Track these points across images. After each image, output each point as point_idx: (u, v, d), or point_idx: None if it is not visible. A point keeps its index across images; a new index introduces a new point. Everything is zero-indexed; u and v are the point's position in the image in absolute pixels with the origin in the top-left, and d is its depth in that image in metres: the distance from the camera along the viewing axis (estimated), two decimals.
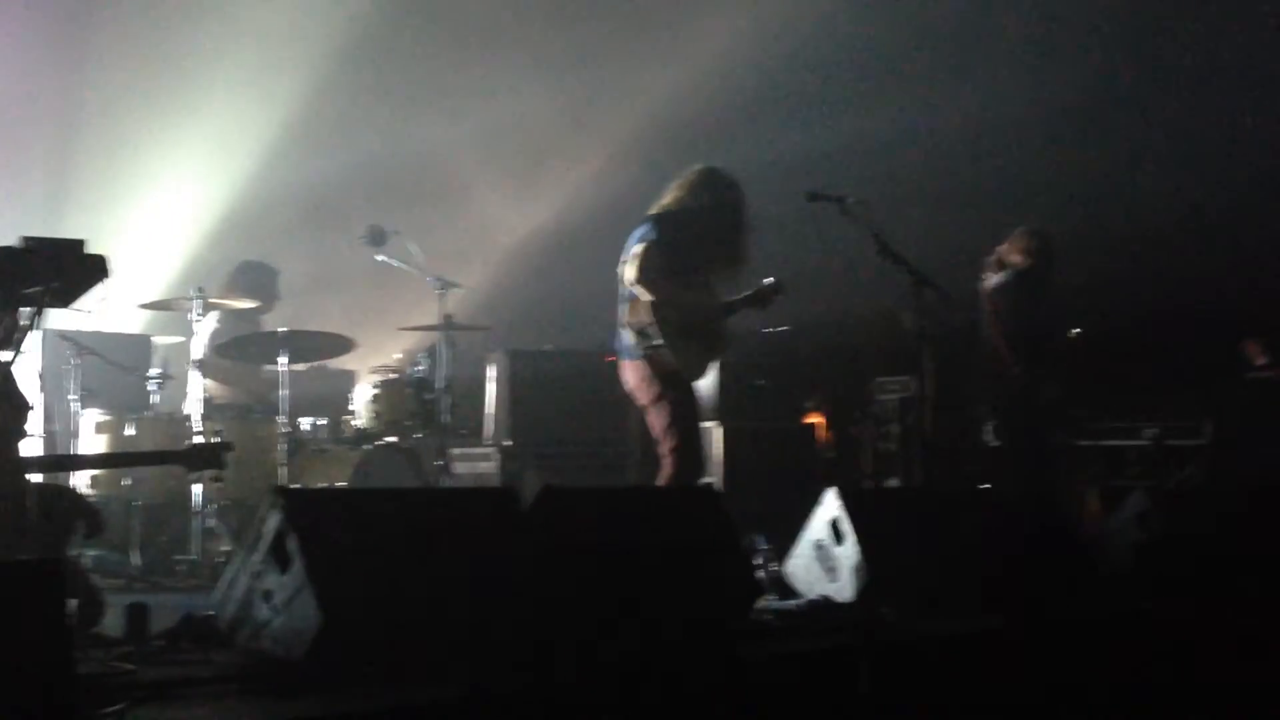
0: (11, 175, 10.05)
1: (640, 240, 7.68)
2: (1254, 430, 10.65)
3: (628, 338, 7.73)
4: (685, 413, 7.76)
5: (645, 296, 7.61)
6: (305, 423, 9.54)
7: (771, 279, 8.04)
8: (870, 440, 11.36)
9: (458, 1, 12.87)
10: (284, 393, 9.14)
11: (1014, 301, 9.10)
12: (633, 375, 7.77)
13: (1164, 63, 11.97)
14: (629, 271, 7.64)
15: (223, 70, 12.05)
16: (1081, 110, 12.20)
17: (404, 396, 9.62)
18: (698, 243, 7.84)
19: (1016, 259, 9.25)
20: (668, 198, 7.94)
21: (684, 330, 7.69)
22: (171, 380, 9.23)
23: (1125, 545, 7.14)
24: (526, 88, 12.86)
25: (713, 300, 7.97)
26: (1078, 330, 9.26)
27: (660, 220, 7.79)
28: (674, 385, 7.71)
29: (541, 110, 12.91)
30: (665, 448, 7.68)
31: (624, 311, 7.75)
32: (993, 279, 9.21)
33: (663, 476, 7.68)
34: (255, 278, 10.06)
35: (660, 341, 7.60)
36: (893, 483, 10.93)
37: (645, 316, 7.62)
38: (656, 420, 7.74)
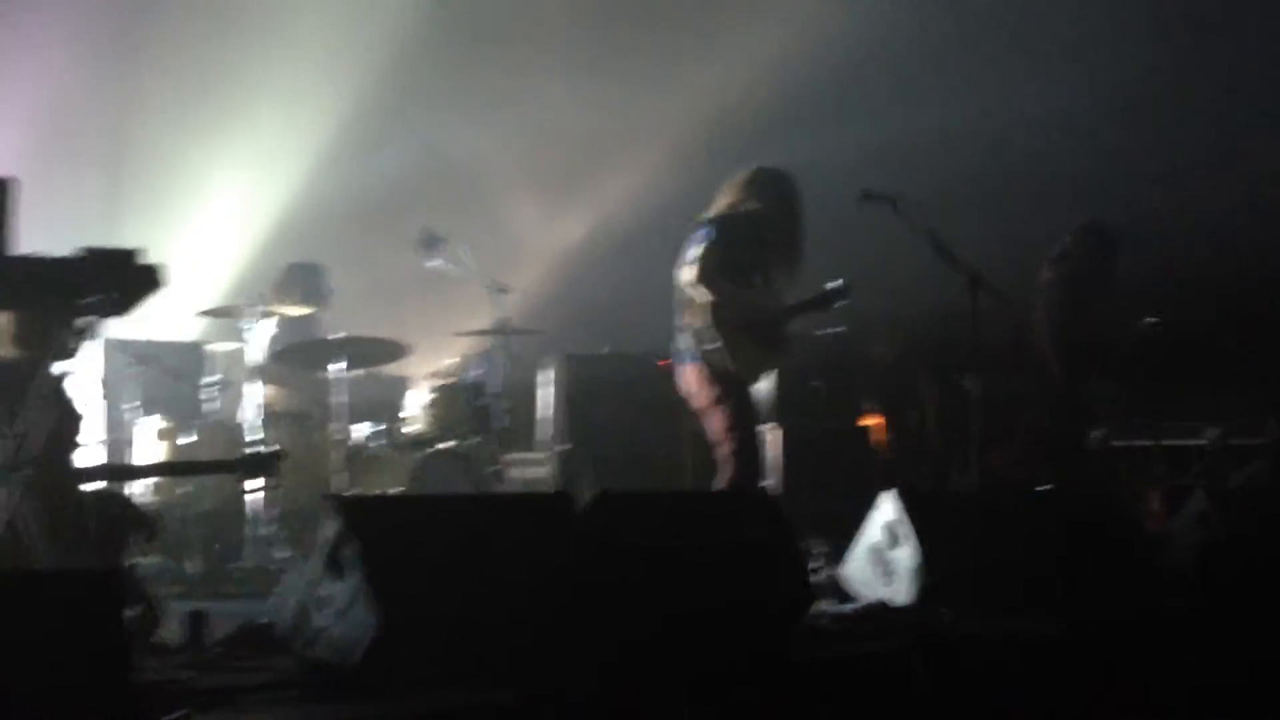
0: (69, 186, 10.14)
1: (700, 242, 7.68)
2: None
3: (685, 340, 7.73)
4: (743, 416, 7.75)
5: (704, 298, 7.61)
6: (361, 429, 9.58)
7: (840, 281, 8.00)
8: (927, 442, 11.32)
9: (504, 10, 12.92)
10: (340, 399, 9.20)
11: (1064, 300, 9.03)
12: (691, 378, 7.77)
13: (1235, 52, 11.87)
14: (688, 273, 7.64)
15: (273, 80, 12.13)
16: (1147, 102, 12.08)
17: (459, 401, 9.66)
18: (756, 244, 7.85)
19: (1077, 256, 9.17)
20: (723, 201, 7.93)
21: (742, 333, 7.67)
22: (229, 388, 9.29)
23: (1187, 546, 7.09)
24: (576, 91, 12.88)
25: (774, 302, 7.96)
26: (1154, 319, 9.14)
27: (719, 223, 7.78)
28: (732, 388, 7.70)
29: (592, 113, 12.92)
30: (724, 451, 7.68)
31: (682, 314, 7.76)
32: (1044, 277, 9.14)
33: (722, 480, 7.68)
34: (304, 279, 10.10)
35: (718, 344, 7.60)
36: (951, 484, 10.89)
37: (704, 318, 7.61)
38: (715, 423, 7.74)
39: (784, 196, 7.91)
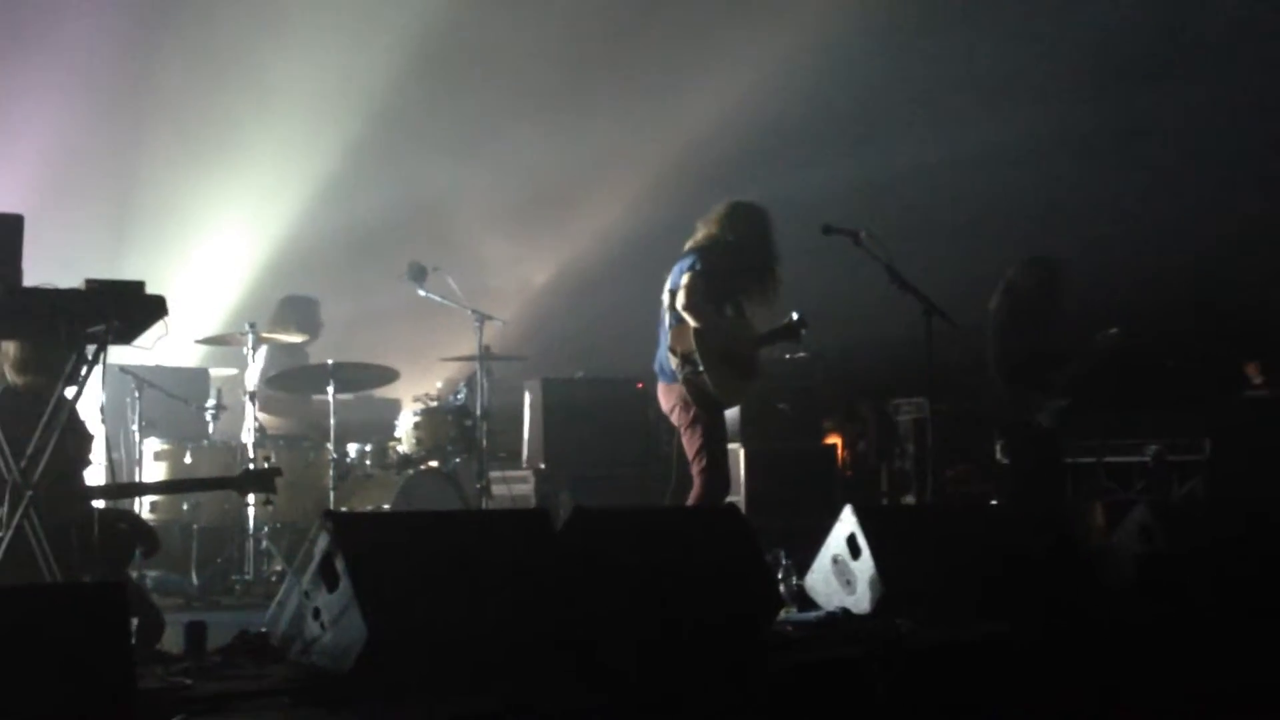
0: (76, 222, 10.14)
1: (686, 270, 7.71)
2: (1251, 447, 10.61)
3: (670, 363, 7.75)
4: (716, 435, 7.79)
5: (693, 323, 7.64)
6: (352, 449, 9.58)
7: (795, 315, 8.03)
8: (885, 459, 11.36)
9: (481, 59, 12.96)
10: (332, 421, 9.20)
11: (1013, 324, 9.06)
12: (672, 398, 7.80)
13: (1160, 105, 11.95)
14: (678, 299, 7.68)
15: (268, 124, 12.14)
16: (1084, 144, 12.18)
17: (445, 423, 9.65)
18: (733, 274, 7.87)
19: (1022, 284, 9.21)
20: (701, 233, 7.96)
21: (723, 358, 7.70)
22: (226, 410, 9.28)
23: (1128, 557, 7.12)
24: (552, 134, 12.92)
25: (746, 329, 7.99)
26: (1115, 330, 9.16)
27: (703, 252, 7.81)
28: (708, 409, 7.74)
29: (567, 154, 12.95)
30: (696, 468, 7.72)
31: (668, 338, 7.79)
32: (994, 303, 9.18)
33: (694, 495, 7.71)
34: (297, 310, 10.12)
35: (702, 368, 7.63)
36: (907, 500, 10.92)
37: (690, 343, 7.63)
38: (689, 442, 7.78)
39: (758, 228, 7.94)
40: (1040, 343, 9.04)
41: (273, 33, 11.74)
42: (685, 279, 7.66)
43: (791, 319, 8.02)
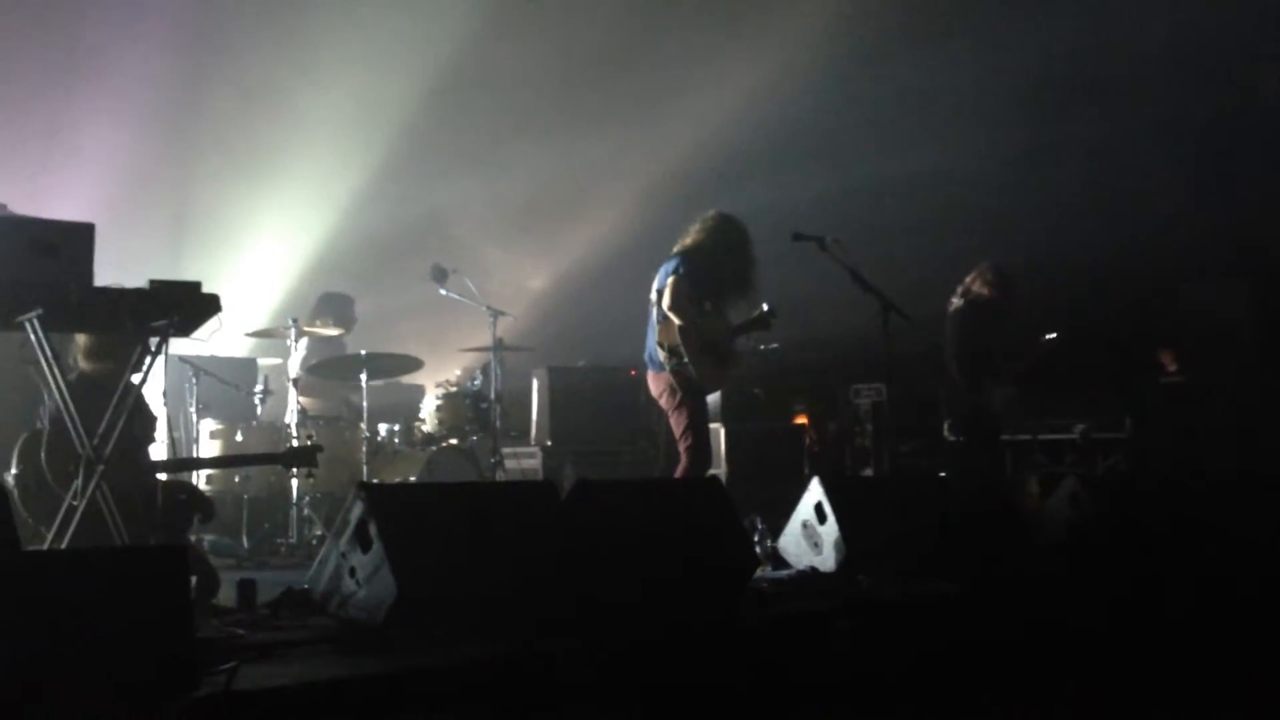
0: (140, 230, 10.12)
1: (671, 273, 7.71)
2: (1165, 426, 10.64)
3: (659, 354, 7.76)
4: (699, 417, 7.79)
5: (676, 320, 7.65)
6: (382, 428, 9.57)
7: (765, 306, 8.04)
8: (847, 437, 11.37)
9: (494, 82, 12.97)
10: (365, 404, 9.20)
11: (970, 325, 9.07)
12: (660, 385, 7.81)
13: (1084, 124, 11.95)
14: (664, 299, 7.68)
15: (305, 143, 12.14)
16: (1019, 160, 12.16)
17: (463, 406, 9.64)
18: (714, 276, 7.86)
19: (978, 289, 9.22)
20: (689, 238, 7.94)
21: (704, 350, 7.71)
22: (272, 395, 9.28)
23: (1060, 522, 7.13)
24: (557, 152, 12.93)
25: (727, 324, 8.00)
26: (1054, 335, 9.20)
27: (686, 257, 7.81)
28: (692, 394, 7.75)
29: (570, 170, 12.97)
30: (683, 445, 7.73)
31: (656, 332, 7.79)
32: (953, 305, 9.19)
33: (680, 469, 7.72)
34: (335, 306, 10.11)
35: (686, 359, 7.64)
36: (866, 472, 10.93)
37: (675, 338, 7.64)
38: (676, 423, 7.79)
39: (736, 237, 7.93)
40: (994, 339, 9.06)
41: (303, 68, 11.82)
42: (670, 281, 7.67)
43: (763, 310, 8.01)
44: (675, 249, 7.91)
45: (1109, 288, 11.88)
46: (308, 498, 8.68)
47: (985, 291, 9.16)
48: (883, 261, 9.00)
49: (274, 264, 11.71)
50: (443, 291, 9.80)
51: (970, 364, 8.97)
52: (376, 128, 12.35)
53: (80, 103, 10.67)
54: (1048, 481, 7.57)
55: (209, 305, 5.53)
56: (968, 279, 9.25)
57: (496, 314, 9.71)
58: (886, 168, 12.09)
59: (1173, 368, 11.34)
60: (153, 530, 5.40)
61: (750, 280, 7.99)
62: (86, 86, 10.68)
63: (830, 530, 6.28)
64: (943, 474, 9.31)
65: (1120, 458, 10.75)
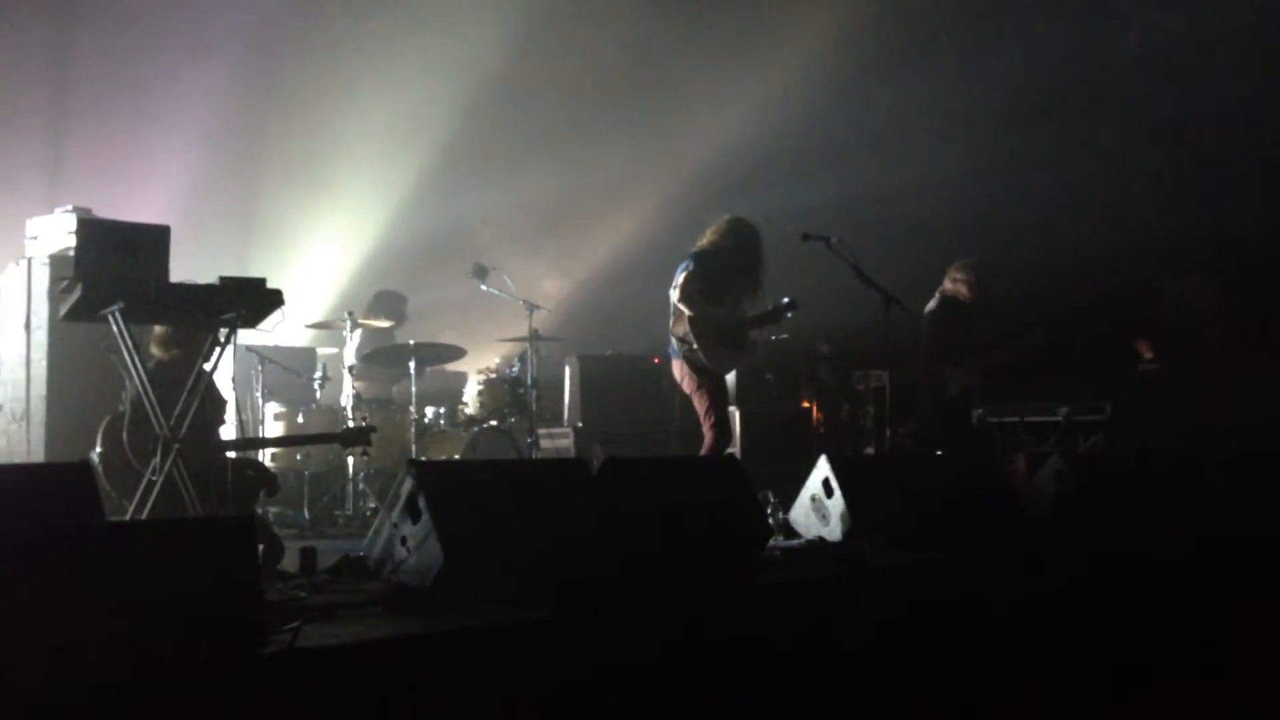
0: (210, 229, 10.15)
1: (683, 270, 7.73)
2: (1142, 409, 10.58)
3: (674, 343, 7.79)
4: (718, 399, 7.83)
5: (686, 312, 7.65)
6: (429, 411, 9.59)
7: (786, 299, 8.03)
8: (852, 419, 11.33)
9: (528, 99, 13.02)
10: (413, 389, 9.21)
11: (939, 320, 9.03)
12: (679, 370, 7.86)
13: (1066, 132, 11.86)
14: (674, 293, 7.69)
15: (358, 154, 12.19)
16: (1012, 166, 12.05)
17: (502, 391, 9.66)
18: (727, 272, 7.86)
19: (952, 288, 9.18)
20: (705, 239, 7.97)
21: (715, 338, 7.73)
22: (330, 381, 9.30)
23: (1046, 497, 7.10)
24: (586, 159, 12.93)
25: (739, 314, 7.97)
26: (1043, 329, 9.18)
27: (698, 256, 7.82)
28: (708, 378, 7.77)
29: (599, 176, 12.96)
30: (705, 425, 7.78)
31: (672, 323, 7.80)
32: (930, 304, 9.15)
33: (705, 446, 7.75)
34: (389, 302, 10.13)
35: (696, 346, 7.65)
36: (869, 451, 10.89)
37: (685, 327, 7.67)
38: (698, 404, 7.84)
39: (749, 237, 7.94)
40: (960, 333, 9.01)
41: (349, 93, 11.97)
42: (681, 278, 7.72)
43: (781, 302, 8.01)
44: (694, 249, 7.92)
45: (1091, 282, 11.80)
46: (362, 474, 8.71)
47: (954, 288, 9.13)
48: (884, 260, 8.96)
49: (330, 263, 11.74)
50: (483, 287, 9.81)
51: (934, 355, 8.94)
52: (419, 143, 12.41)
53: (156, 120, 10.72)
54: (1034, 459, 7.53)
55: (273, 299, 5.55)
56: (945, 278, 9.22)
57: (532, 307, 9.72)
58: (885, 174, 12.03)
59: (1149, 355, 11.28)
60: (223, 503, 5.42)
61: (758, 276, 7.98)
62: (161, 107, 10.74)
63: (837, 503, 6.27)
64: (939, 451, 9.27)
65: (1100, 438, 10.69)
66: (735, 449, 9.26)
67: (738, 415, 9.92)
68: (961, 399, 9.12)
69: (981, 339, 9.19)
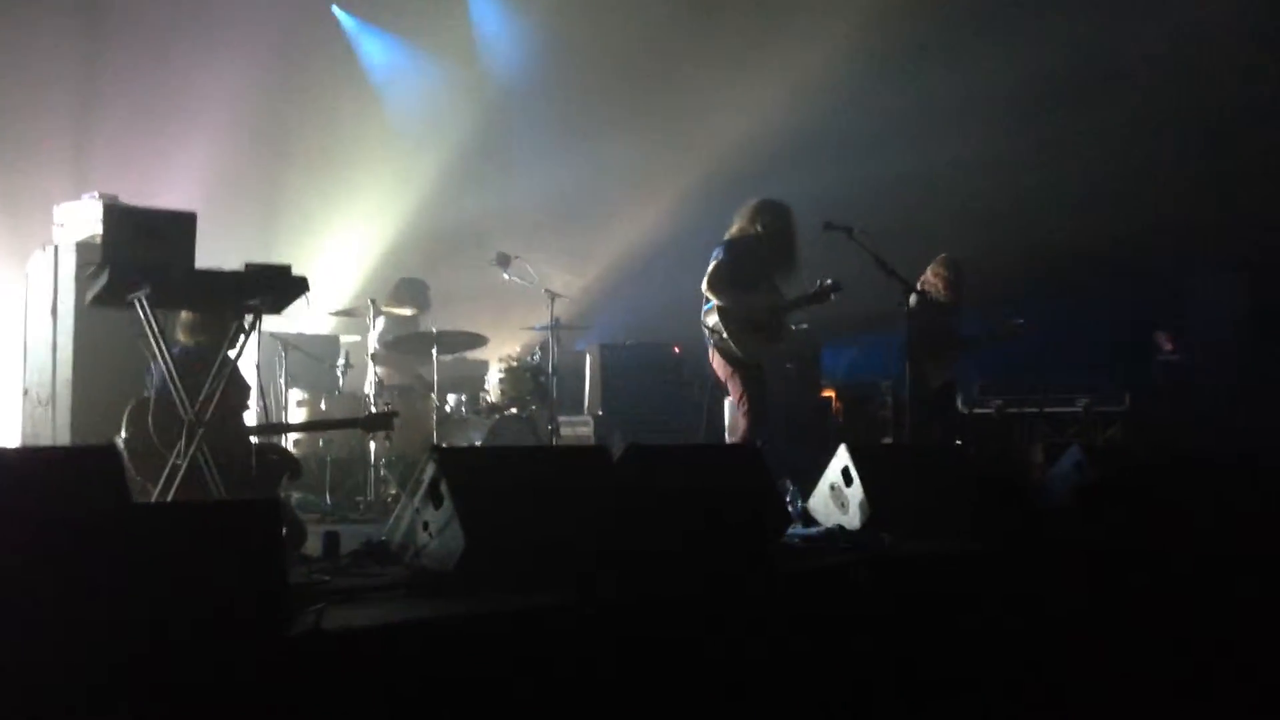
0: (236, 216, 10.18)
1: (714, 259, 7.72)
2: (1160, 400, 10.55)
3: (706, 333, 7.79)
4: (751, 386, 7.79)
5: (716, 301, 7.65)
6: (451, 398, 9.61)
7: (830, 280, 7.93)
8: (871, 409, 11.31)
9: (547, 95, 13.10)
10: (435, 376, 9.23)
11: (922, 318, 8.98)
12: (712, 358, 7.86)
13: (1089, 125, 11.75)
14: (703, 283, 7.68)
15: (389, 139, 12.23)
16: (1034, 156, 11.95)
17: (524, 379, 9.67)
18: (757, 257, 7.81)
19: (930, 281, 9.14)
20: (734, 226, 7.93)
21: (744, 325, 7.69)
22: (353, 368, 9.32)
23: (1064, 487, 7.07)
24: (610, 147, 12.94)
25: (775, 300, 7.89)
26: (1021, 321, 9.15)
27: (729, 244, 7.79)
28: (740, 365, 7.75)
29: (623, 164, 12.97)
30: (740, 411, 7.78)
31: (703, 313, 7.81)
32: (910, 300, 9.11)
33: (736, 433, 7.75)
34: (412, 290, 10.13)
35: (725, 335, 7.64)
36: (886, 440, 10.87)
37: (715, 318, 7.68)
38: (732, 392, 7.86)
39: (779, 219, 7.87)
40: (940, 327, 8.98)
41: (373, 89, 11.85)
42: (711, 267, 7.68)
43: (825, 283, 7.93)
44: (726, 236, 7.89)
45: (1113, 274, 11.74)
46: (384, 459, 8.73)
47: (935, 282, 9.10)
48: (908, 249, 8.94)
49: (354, 250, 11.78)
50: (505, 276, 9.82)
51: (915, 348, 8.89)
52: (442, 132, 12.47)
53: (182, 108, 10.77)
54: (1053, 450, 7.49)
55: (297, 286, 5.56)
56: (925, 274, 9.17)
57: (553, 296, 9.73)
58: (906, 163, 11.96)
59: (1167, 347, 11.24)
60: (247, 487, 5.44)
61: (793, 257, 7.91)
62: (186, 95, 10.79)
63: (856, 492, 6.26)
64: (959, 441, 9.25)
65: (1119, 428, 10.67)
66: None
67: None
68: (943, 393, 9.08)
69: (955, 334, 9.15)
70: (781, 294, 7.96)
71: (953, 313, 9.14)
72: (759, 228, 7.83)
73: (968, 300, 9.17)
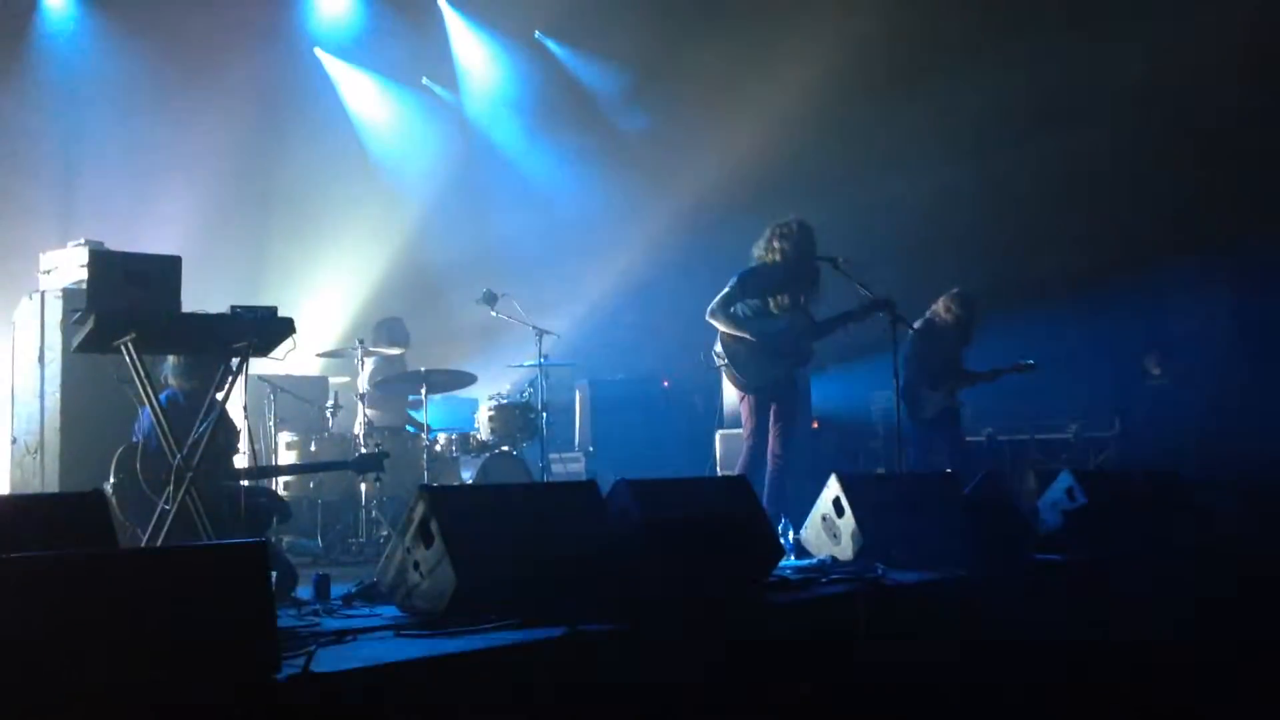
0: (221, 259, 10.19)
1: (725, 289, 7.78)
2: (1150, 424, 10.57)
3: (715, 358, 7.90)
4: (757, 415, 7.82)
5: (719, 328, 7.78)
6: (441, 437, 9.59)
7: (873, 297, 7.82)
8: (861, 439, 11.31)
9: (530, 124, 13.12)
10: (425, 415, 9.22)
11: (922, 342, 9.01)
12: (725, 387, 7.95)
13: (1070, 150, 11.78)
14: (709, 311, 7.79)
15: (373, 179, 12.29)
16: (1012, 182, 11.96)
17: (514, 416, 9.64)
18: (778, 281, 7.83)
19: (940, 311, 9.18)
20: (755, 253, 7.96)
21: (746, 351, 7.76)
22: (342, 409, 9.31)
23: (1056, 511, 7.08)
24: (595, 180, 13.02)
25: (799, 321, 7.88)
26: (1030, 362, 9.19)
27: (742, 272, 7.85)
28: (749, 392, 7.85)
29: (606, 201, 13.04)
30: (744, 434, 7.87)
31: (715, 340, 7.91)
32: (917, 323, 9.13)
33: (740, 462, 7.80)
34: (389, 329, 10.11)
35: (726, 361, 7.76)
36: (879, 470, 10.86)
37: (719, 344, 7.85)
38: (744, 417, 7.93)
39: (792, 238, 7.86)
40: (941, 357, 9.00)
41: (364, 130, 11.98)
42: (719, 295, 7.74)
43: (868, 300, 7.82)
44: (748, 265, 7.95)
45: (1101, 299, 11.75)
46: (375, 500, 8.70)
47: (945, 315, 9.14)
48: (889, 275, 8.99)
49: (341, 291, 11.77)
50: (493, 314, 9.82)
51: (912, 375, 8.91)
52: (425, 175, 12.60)
53: (167, 153, 10.80)
54: (1045, 475, 7.50)
55: (284, 328, 5.57)
56: (936, 303, 9.22)
57: (542, 333, 9.74)
58: (888, 192, 11.98)
59: (1156, 371, 11.27)
60: (236, 531, 5.42)
61: (807, 274, 7.89)
62: (171, 142, 10.82)
63: (848, 522, 6.26)
64: (949, 470, 9.24)
65: (1110, 453, 10.69)
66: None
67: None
68: (943, 419, 9.09)
69: (960, 366, 9.18)
70: (809, 316, 7.96)
71: (959, 344, 9.16)
72: (774, 257, 7.85)
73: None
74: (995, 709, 5.25)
